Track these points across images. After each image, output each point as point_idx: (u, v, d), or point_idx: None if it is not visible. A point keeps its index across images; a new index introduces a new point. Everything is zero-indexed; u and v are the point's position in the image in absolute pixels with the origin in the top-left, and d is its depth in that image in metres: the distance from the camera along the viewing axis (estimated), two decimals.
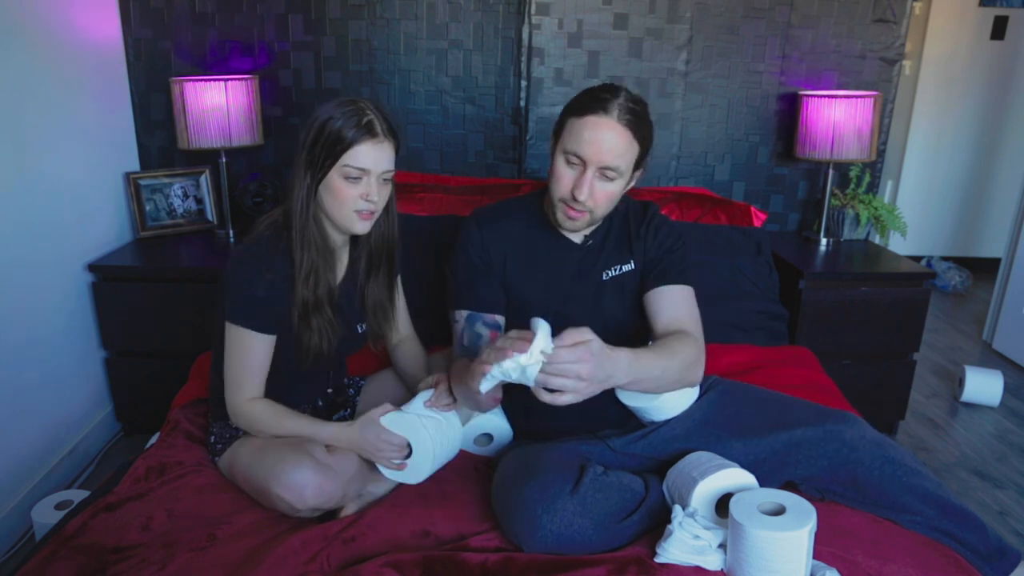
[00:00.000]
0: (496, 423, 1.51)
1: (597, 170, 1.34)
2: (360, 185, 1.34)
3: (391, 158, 1.37)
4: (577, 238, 1.50)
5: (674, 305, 1.43)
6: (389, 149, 1.36)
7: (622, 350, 1.17)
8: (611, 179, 1.35)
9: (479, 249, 1.48)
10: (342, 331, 1.46)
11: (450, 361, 1.47)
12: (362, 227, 1.39)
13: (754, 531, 1.10)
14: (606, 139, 1.32)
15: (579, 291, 1.48)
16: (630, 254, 1.50)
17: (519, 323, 1.48)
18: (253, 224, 1.43)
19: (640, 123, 1.35)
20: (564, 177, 1.36)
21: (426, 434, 1.32)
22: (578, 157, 1.33)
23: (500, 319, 1.47)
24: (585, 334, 1.10)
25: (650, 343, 1.44)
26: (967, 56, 3.99)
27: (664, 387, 1.31)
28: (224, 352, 1.39)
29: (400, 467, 1.35)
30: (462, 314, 1.46)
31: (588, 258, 1.50)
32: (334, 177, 1.33)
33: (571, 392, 1.09)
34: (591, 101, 1.34)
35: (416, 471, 1.35)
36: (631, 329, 1.52)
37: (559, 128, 1.39)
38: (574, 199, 1.35)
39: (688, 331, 1.38)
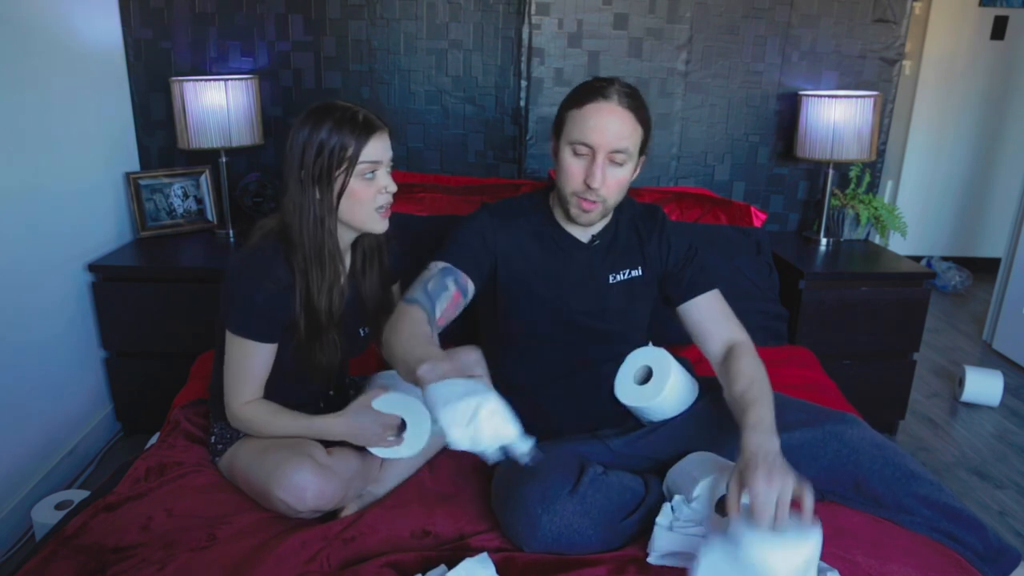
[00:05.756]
0: None
1: (607, 155, 1.35)
2: (376, 181, 1.37)
3: (390, 146, 1.40)
4: (584, 238, 1.50)
5: (713, 313, 1.48)
6: (387, 138, 1.39)
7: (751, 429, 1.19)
8: (620, 164, 1.37)
9: (489, 230, 1.48)
10: (345, 340, 1.47)
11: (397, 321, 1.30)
12: (383, 225, 1.41)
13: (753, 539, 1.09)
14: (611, 123, 1.34)
15: (584, 291, 1.49)
16: (640, 260, 1.52)
17: (523, 317, 1.50)
18: (248, 232, 1.45)
19: (639, 105, 1.38)
20: (573, 169, 1.37)
21: (418, 403, 1.34)
22: (586, 145, 1.35)
23: (471, 286, 1.43)
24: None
25: (717, 366, 1.44)
26: (967, 56, 3.99)
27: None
28: (224, 357, 1.40)
29: (395, 443, 1.38)
30: (439, 264, 1.41)
31: (595, 259, 1.50)
32: (352, 182, 1.35)
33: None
34: (588, 92, 1.37)
35: (413, 442, 1.38)
36: (636, 321, 1.55)
37: (559, 124, 1.41)
38: (588, 188, 1.36)
39: (737, 339, 1.44)
